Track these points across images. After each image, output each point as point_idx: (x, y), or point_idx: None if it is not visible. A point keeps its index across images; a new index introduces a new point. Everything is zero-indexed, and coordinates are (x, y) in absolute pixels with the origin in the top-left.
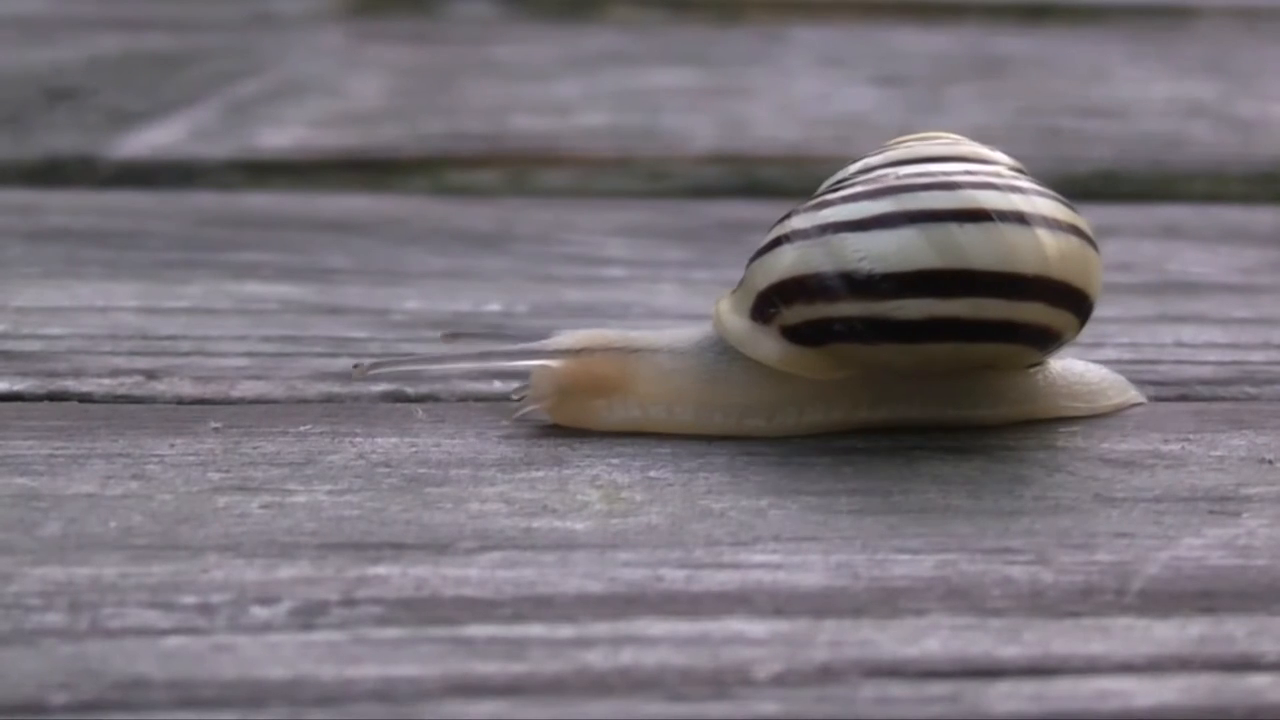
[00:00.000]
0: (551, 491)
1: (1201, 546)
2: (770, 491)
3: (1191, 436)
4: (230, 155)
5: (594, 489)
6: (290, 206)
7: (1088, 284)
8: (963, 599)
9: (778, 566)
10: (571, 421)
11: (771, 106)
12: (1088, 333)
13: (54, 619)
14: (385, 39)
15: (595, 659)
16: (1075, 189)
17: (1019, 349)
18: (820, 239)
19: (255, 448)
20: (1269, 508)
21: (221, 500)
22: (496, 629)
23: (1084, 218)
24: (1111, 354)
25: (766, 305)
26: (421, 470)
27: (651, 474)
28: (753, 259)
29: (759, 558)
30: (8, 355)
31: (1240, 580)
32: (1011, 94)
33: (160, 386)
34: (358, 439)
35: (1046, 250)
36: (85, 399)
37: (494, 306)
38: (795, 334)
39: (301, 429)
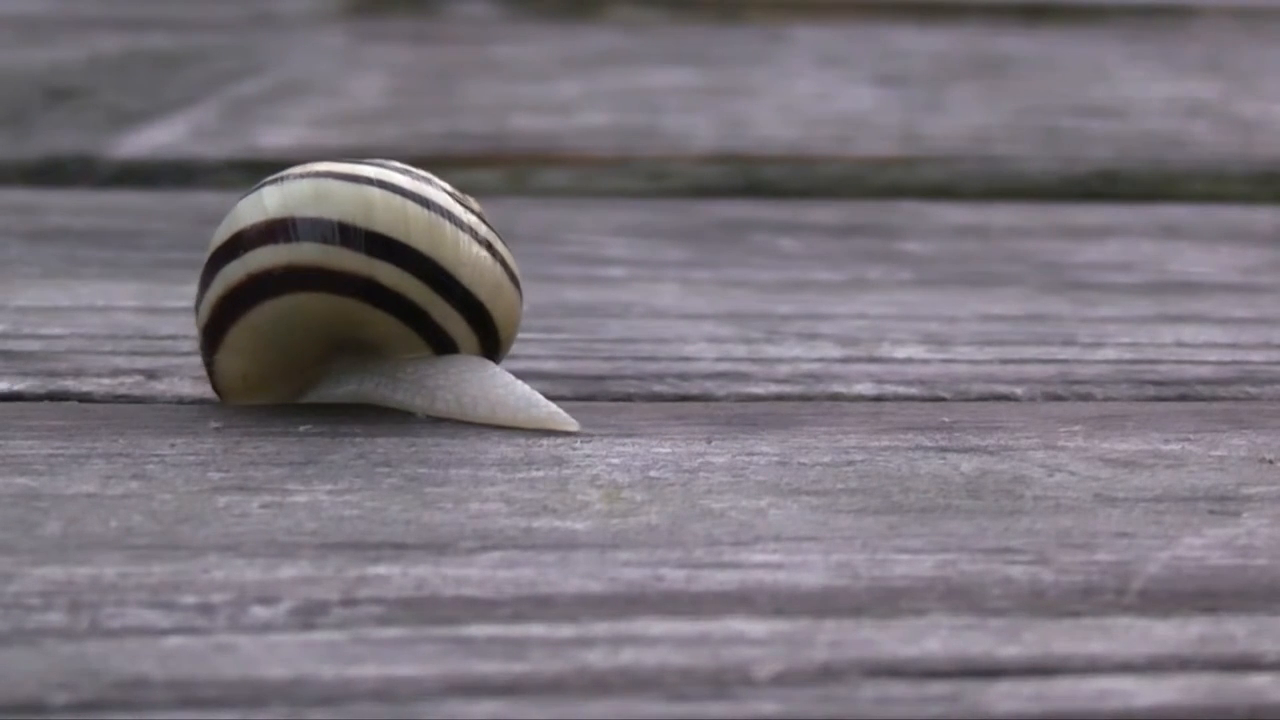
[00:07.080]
0: (551, 491)
1: (1201, 546)
2: (770, 491)
3: (1191, 436)
4: (230, 155)
5: (594, 489)
6: None
7: (337, 215)
8: (963, 599)
9: (778, 566)
10: None
11: (772, 106)
12: (1088, 332)
13: (54, 619)
14: (385, 39)
15: (595, 659)
16: (1075, 189)
17: (333, 299)
18: None
19: (255, 448)
20: (1269, 508)
21: (221, 500)
22: (496, 629)
23: (439, 190)
24: (1112, 354)
25: None
26: (421, 470)
27: (651, 474)
28: None
29: (759, 558)
30: (8, 355)
31: (1240, 580)
32: (1012, 94)
33: (160, 386)
34: (358, 439)
35: (266, 197)
36: (85, 399)
37: None
38: None
39: (301, 429)
